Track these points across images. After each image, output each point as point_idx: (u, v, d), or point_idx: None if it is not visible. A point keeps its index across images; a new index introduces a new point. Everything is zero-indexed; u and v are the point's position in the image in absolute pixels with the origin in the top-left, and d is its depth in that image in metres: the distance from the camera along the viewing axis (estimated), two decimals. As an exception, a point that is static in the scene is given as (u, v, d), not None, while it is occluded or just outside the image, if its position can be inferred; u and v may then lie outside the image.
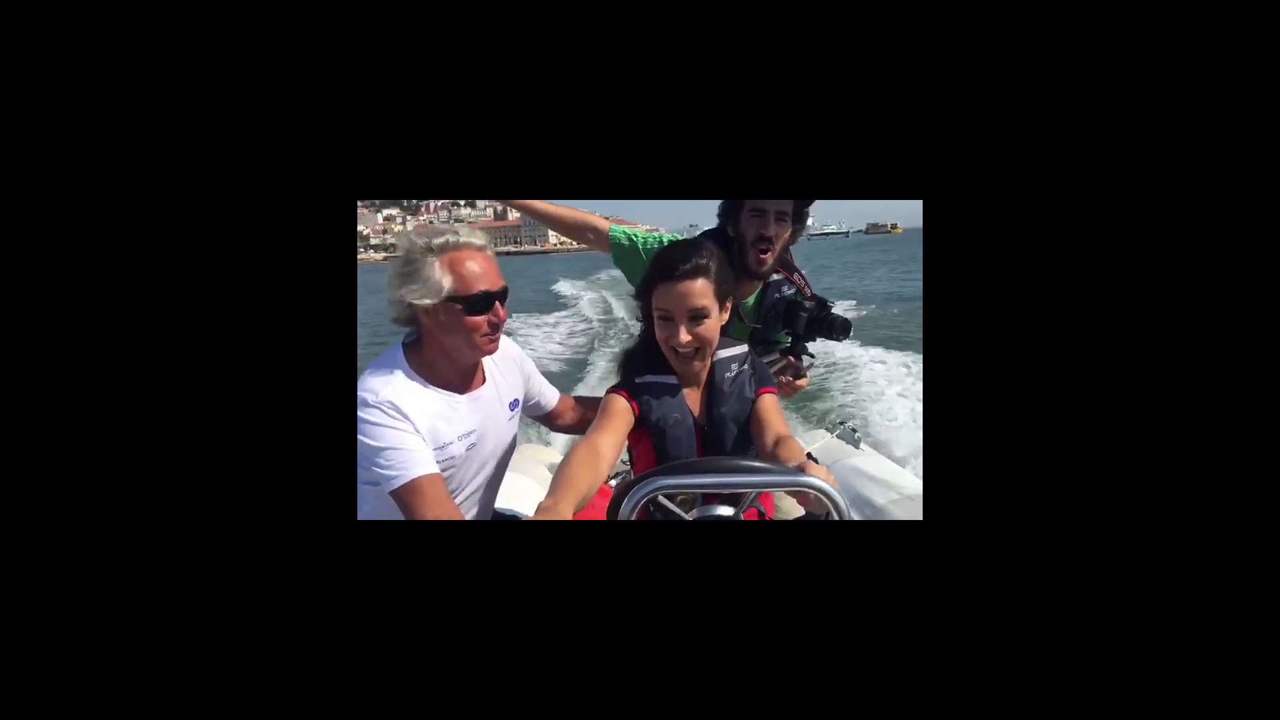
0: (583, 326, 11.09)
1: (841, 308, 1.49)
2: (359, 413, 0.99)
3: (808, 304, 1.34)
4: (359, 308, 0.97)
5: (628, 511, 0.78)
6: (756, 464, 0.83)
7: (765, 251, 1.28)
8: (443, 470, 1.08)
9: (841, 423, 2.76)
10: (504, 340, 1.25)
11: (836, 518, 0.76)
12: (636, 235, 1.44)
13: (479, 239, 1.09)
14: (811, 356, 1.39)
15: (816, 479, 0.77)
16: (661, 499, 0.80)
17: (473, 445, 1.16)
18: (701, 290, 1.02)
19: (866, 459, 2.38)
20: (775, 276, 1.35)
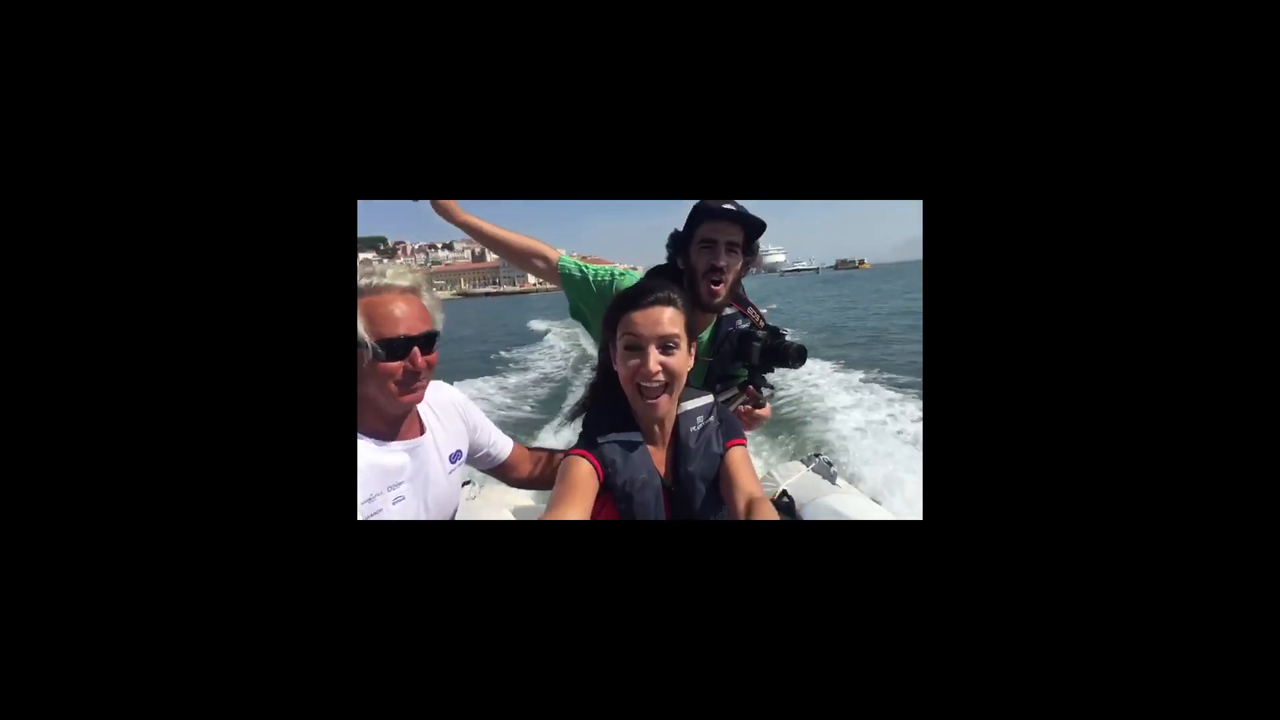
0: (555, 365, 10.58)
1: (793, 335, 1.45)
2: None
3: (760, 334, 1.34)
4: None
5: None
6: None
7: (717, 283, 1.26)
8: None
9: (816, 455, 2.54)
10: (443, 387, 1.22)
11: None
12: (587, 268, 1.41)
13: (405, 280, 1.01)
14: (770, 387, 1.39)
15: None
16: None
17: (400, 499, 1.07)
18: (672, 319, 0.99)
19: (844, 497, 2.21)
20: (728, 310, 1.36)
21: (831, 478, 2.53)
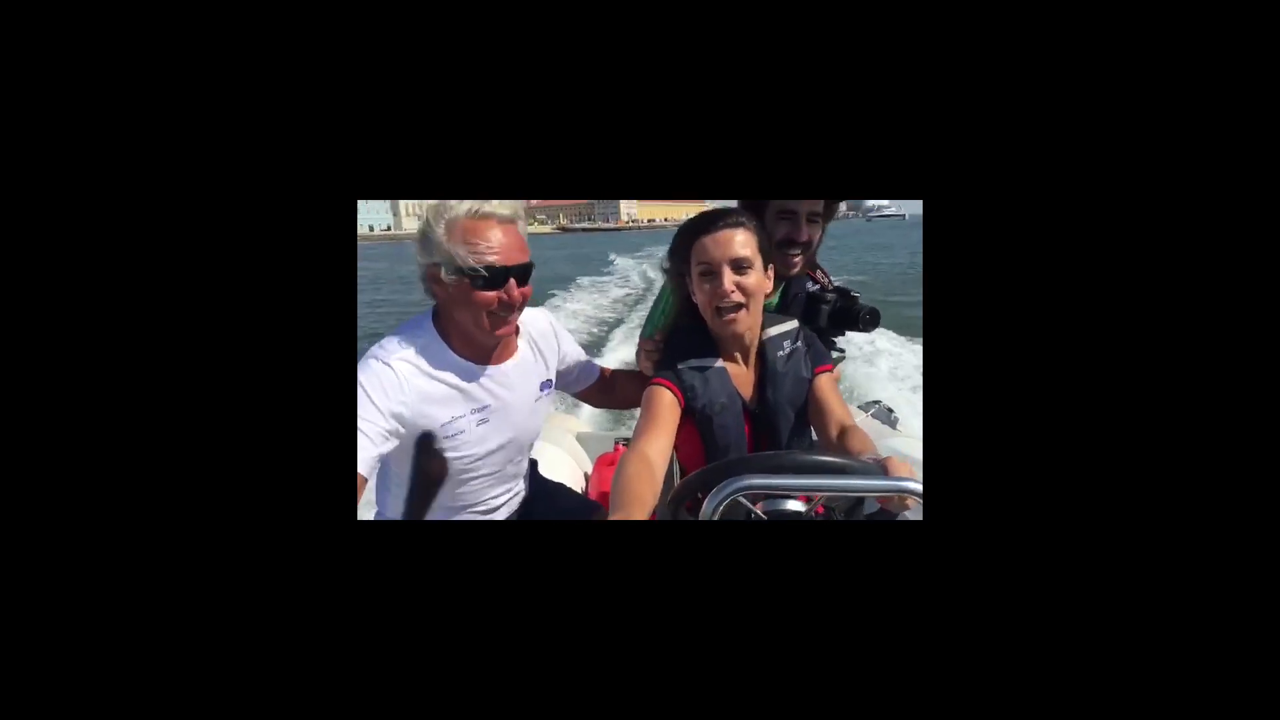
0: (625, 291, 12.46)
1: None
2: (359, 366, 0.97)
3: (829, 296, 1.28)
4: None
5: (710, 510, 0.73)
6: (845, 462, 0.79)
7: (796, 255, 1.21)
8: (448, 444, 1.05)
9: (876, 402, 2.63)
10: (540, 314, 1.21)
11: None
12: None
13: (505, 209, 0.99)
14: (840, 351, 1.33)
15: (916, 484, 0.74)
16: (741, 499, 0.75)
17: (484, 421, 1.08)
18: (744, 240, 0.98)
19: (906, 441, 2.31)
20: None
21: (893, 424, 2.60)
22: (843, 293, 1.30)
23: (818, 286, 1.32)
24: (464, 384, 1.06)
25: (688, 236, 1.04)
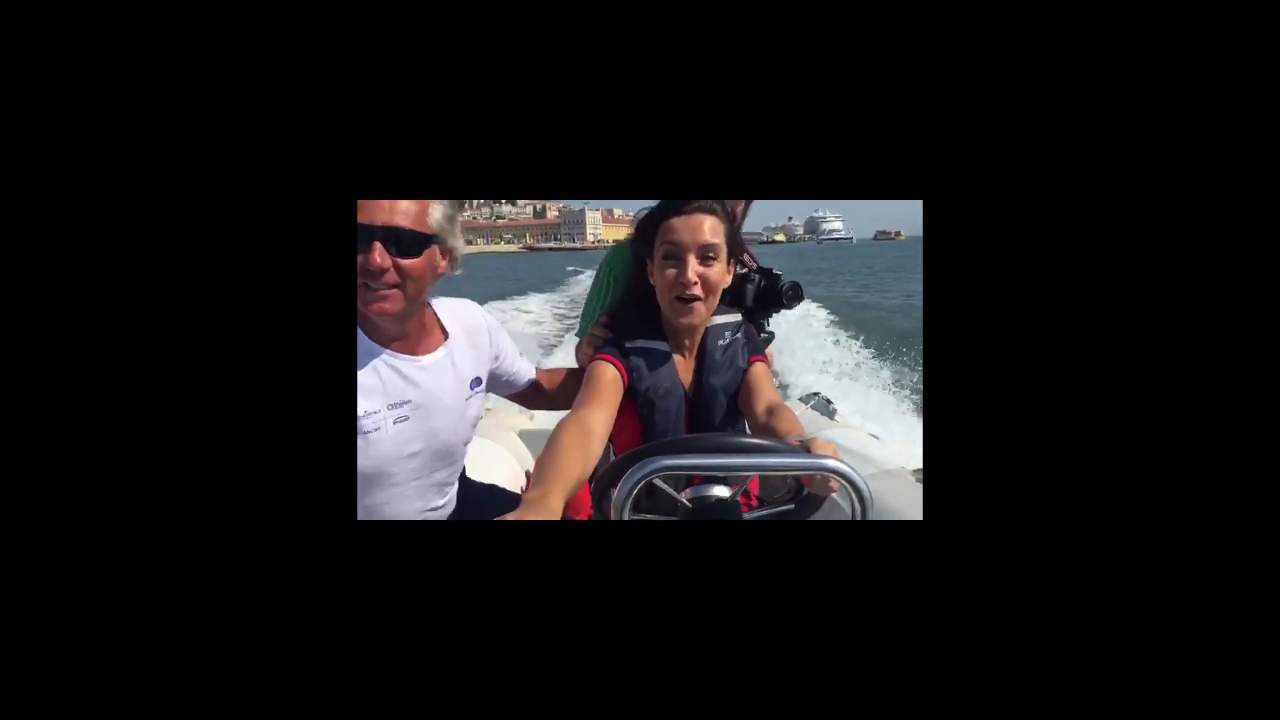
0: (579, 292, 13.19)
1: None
2: None
3: (754, 276, 1.30)
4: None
5: (624, 493, 0.73)
6: (765, 443, 0.78)
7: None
8: (360, 444, 0.92)
9: (815, 394, 2.65)
10: (473, 307, 1.13)
11: (854, 499, 0.74)
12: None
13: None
14: (769, 333, 1.36)
15: (836, 462, 0.73)
16: (658, 480, 0.74)
17: (403, 419, 0.96)
18: (713, 228, 0.98)
19: (843, 431, 2.34)
20: None
21: (831, 414, 2.63)
22: (765, 272, 1.33)
23: (744, 269, 1.33)
24: (378, 373, 0.94)
25: (654, 217, 1.02)
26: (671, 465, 0.73)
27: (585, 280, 17.89)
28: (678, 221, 0.99)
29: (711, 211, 1.00)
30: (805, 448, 0.78)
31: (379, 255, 0.85)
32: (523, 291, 15.27)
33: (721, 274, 1.01)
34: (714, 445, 0.77)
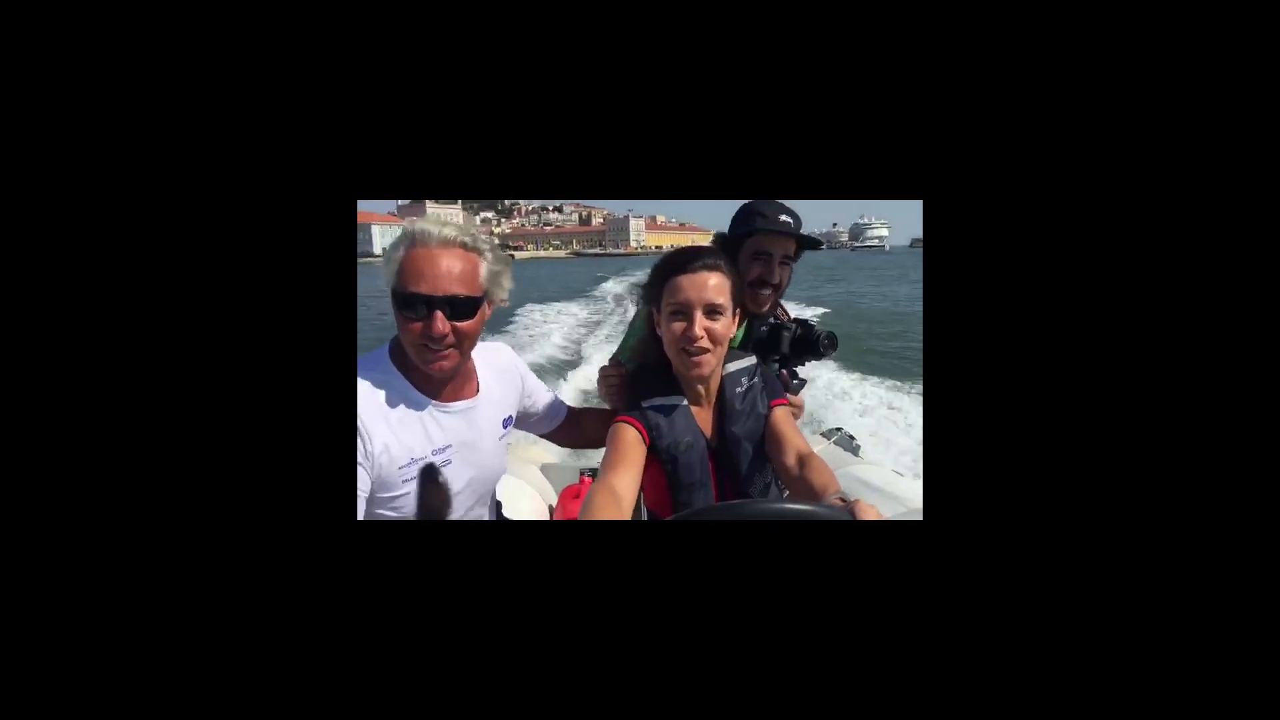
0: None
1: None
2: None
3: (791, 325, 1.34)
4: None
5: None
6: (809, 509, 0.77)
7: (767, 294, 1.27)
8: (407, 491, 0.97)
9: (838, 429, 2.64)
10: (502, 349, 1.19)
11: None
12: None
13: (449, 232, 0.94)
14: (802, 381, 1.39)
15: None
16: None
17: (447, 462, 1.02)
18: (718, 285, 0.99)
19: (867, 469, 2.33)
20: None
21: (854, 450, 2.60)
22: (802, 323, 1.36)
23: (778, 322, 1.37)
24: (424, 422, 1.00)
25: (662, 272, 1.03)
26: None
27: (610, 286, 18.80)
28: (684, 280, 0.99)
29: (716, 268, 1.00)
30: (849, 509, 0.77)
31: (440, 323, 0.92)
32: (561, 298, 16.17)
33: (728, 326, 1.02)
34: (759, 514, 0.77)
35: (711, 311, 0.99)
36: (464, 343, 0.98)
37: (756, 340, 1.33)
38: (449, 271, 0.93)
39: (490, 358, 1.15)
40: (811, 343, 1.32)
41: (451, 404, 1.04)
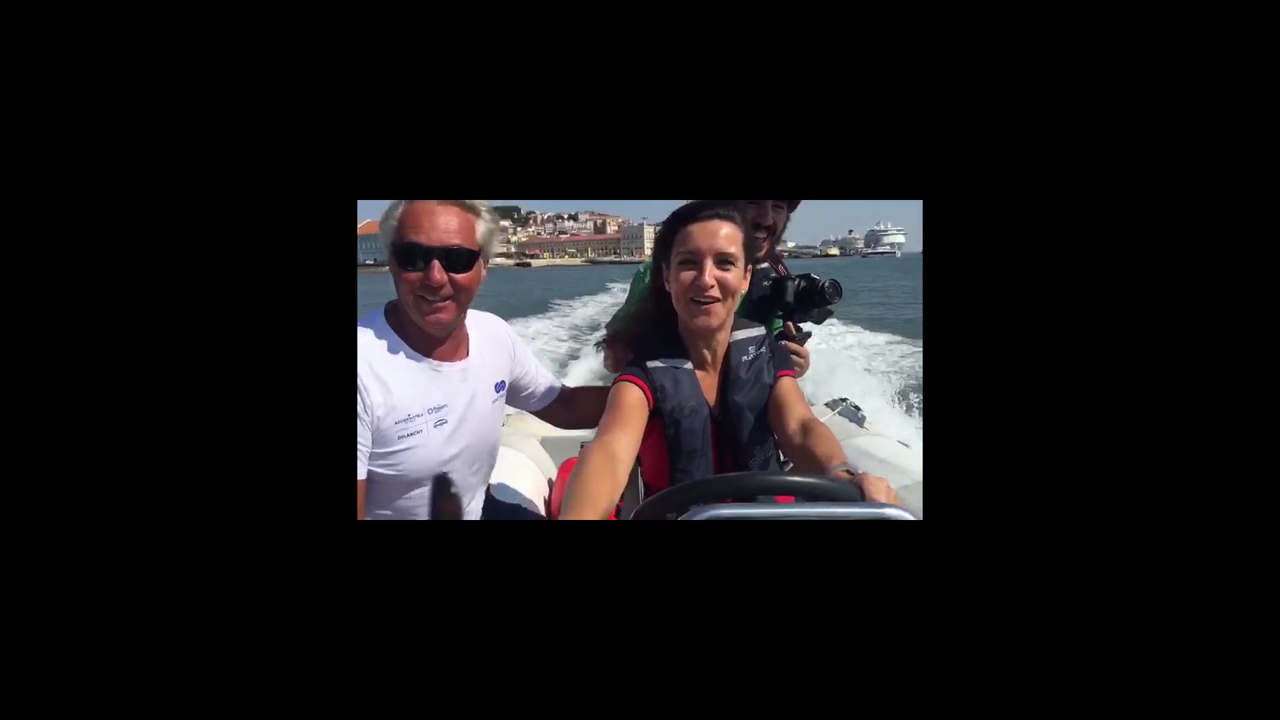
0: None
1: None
2: None
3: (793, 278, 1.33)
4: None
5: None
6: (818, 483, 0.76)
7: (763, 238, 1.26)
8: (404, 448, 1.00)
9: (843, 399, 2.62)
10: (494, 319, 1.20)
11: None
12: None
13: (470, 201, 0.98)
14: (807, 333, 1.36)
15: (895, 511, 0.71)
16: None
17: (442, 422, 1.04)
18: (730, 235, 0.97)
19: (872, 440, 2.31)
20: (761, 265, 1.34)
21: (859, 421, 2.58)
22: (804, 276, 1.34)
23: (781, 275, 1.37)
24: (419, 381, 1.02)
25: (672, 224, 1.01)
26: (725, 516, 0.70)
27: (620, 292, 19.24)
28: (695, 228, 0.97)
29: (728, 218, 0.98)
30: (857, 484, 0.77)
31: (438, 272, 0.94)
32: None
33: (739, 278, 1.00)
34: (765, 485, 0.76)
35: (723, 261, 0.98)
36: (460, 295, 1.00)
37: (760, 296, 1.32)
38: (447, 225, 0.96)
39: (483, 325, 1.17)
40: (817, 292, 1.31)
41: (444, 363, 1.06)
